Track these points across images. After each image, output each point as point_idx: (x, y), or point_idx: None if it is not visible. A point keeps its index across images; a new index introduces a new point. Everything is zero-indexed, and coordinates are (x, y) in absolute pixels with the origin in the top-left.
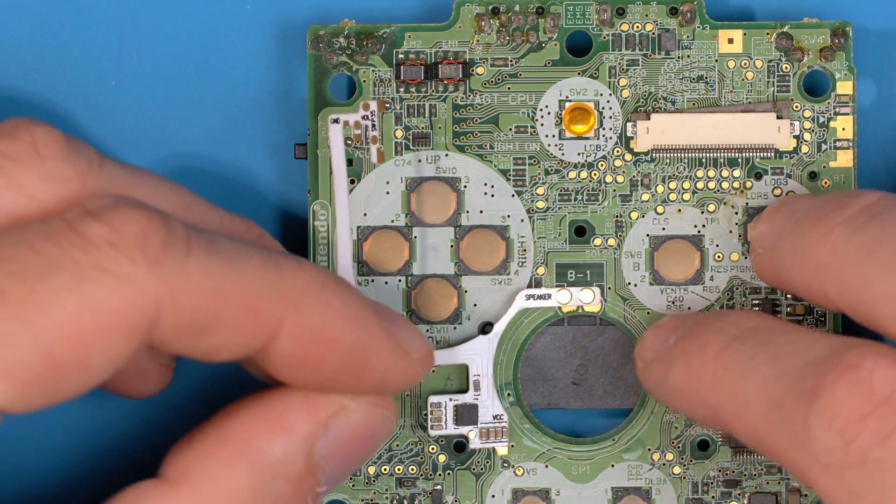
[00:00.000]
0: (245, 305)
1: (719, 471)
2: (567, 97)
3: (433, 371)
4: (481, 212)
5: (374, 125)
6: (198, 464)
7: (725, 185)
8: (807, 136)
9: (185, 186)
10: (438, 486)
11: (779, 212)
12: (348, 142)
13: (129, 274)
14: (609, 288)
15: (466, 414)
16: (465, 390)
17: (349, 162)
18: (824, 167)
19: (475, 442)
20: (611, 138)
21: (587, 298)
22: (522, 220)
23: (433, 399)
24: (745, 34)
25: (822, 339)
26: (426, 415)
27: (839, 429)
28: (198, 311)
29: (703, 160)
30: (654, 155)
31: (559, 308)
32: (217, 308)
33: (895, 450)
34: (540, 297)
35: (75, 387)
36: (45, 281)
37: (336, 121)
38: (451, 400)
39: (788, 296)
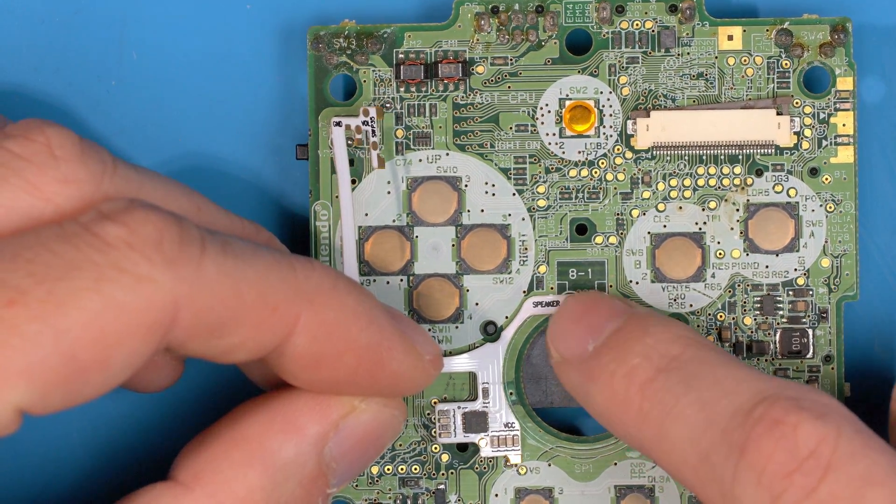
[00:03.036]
0: (262, 303)
1: None
2: (567, 95)
3: None
4: (482, 211)
5: (373, 131)
6: (210, 466)
7: (726, 182)
8: (807, 132)
9: (196, 190)
10: (442, 486)
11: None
12: (349, 142)
13: (148, 273)
14: (610, 286)
15: (475, 421)
16: (472, 398)
17: (350, 162)
18: (825, 163)
19: (486, 450)
20: (611, 136)
21: None
22: (524, 219)
23: (441, 407)
24: (744, 31)
25: (746, 383)
26: (434, 420)
27: (767, 485)
28: (216, 311)
29: (704, 157)
30: (654, 152)
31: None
32: (234, 306)
33: (821, 503)
34: (548, 304)
35: (95, 388)
36: (65, 282)
37: (339, 124)
38: (459, 408)
39: (788, 293)
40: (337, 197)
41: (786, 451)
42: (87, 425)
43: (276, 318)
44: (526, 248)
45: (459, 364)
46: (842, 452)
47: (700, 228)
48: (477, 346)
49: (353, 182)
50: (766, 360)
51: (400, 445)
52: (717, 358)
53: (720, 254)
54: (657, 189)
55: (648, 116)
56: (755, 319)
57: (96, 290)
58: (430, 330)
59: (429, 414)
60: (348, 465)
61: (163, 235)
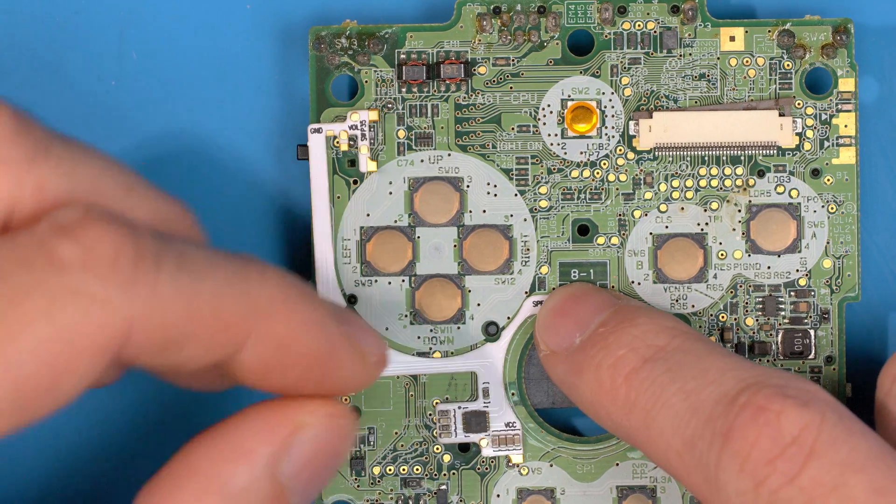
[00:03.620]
0: (214, 320)
1: None
2: (569, 96)
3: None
4: (484, 211)
5: (363, 135)
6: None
7: (728, 182)
8: (809, 133)
9: (128, 167)
10: (443, 486)
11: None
12: (350, 142)
13: (102, 296)
14: (612, 287)
15: (475, 421)
16: (473, 398)
17: (351, 163)
18: (827, 164)
19: (487, 450)
20: (613, 137)
21: None
22: (525, 220)
23: (441, 407)
24: (746, 32)
25: (731, 371)
26: (434, 420)
27: (750, 471)
28: (169, 329)
29: (706, 158)
30: (656, 153)
31: None
32: (187, 324)
33: (802, 489)
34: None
35: (44, 410)
36: (17, 308)
37: (318, 131)
38: (459, 408)
39: (790, 294)
40: (339, 197)
41: (769, 437)
42: (69, 427)
43: (228, 334)
44: (528, 249)
45: (461, 364)
46: (824, 439)
47: (702, 229)
48: (478, 346)
49: (354, 182)
50: (767, 361)
51: (402, 446)
52: (703, 348)
53: (722, 254)
54: (659, 190)
55: (650, 117)
56: (757, 320)
57: (49, 317)
58: (431, 330)
59: (430, 415)
60: (306, 481)
61: (118, 254)
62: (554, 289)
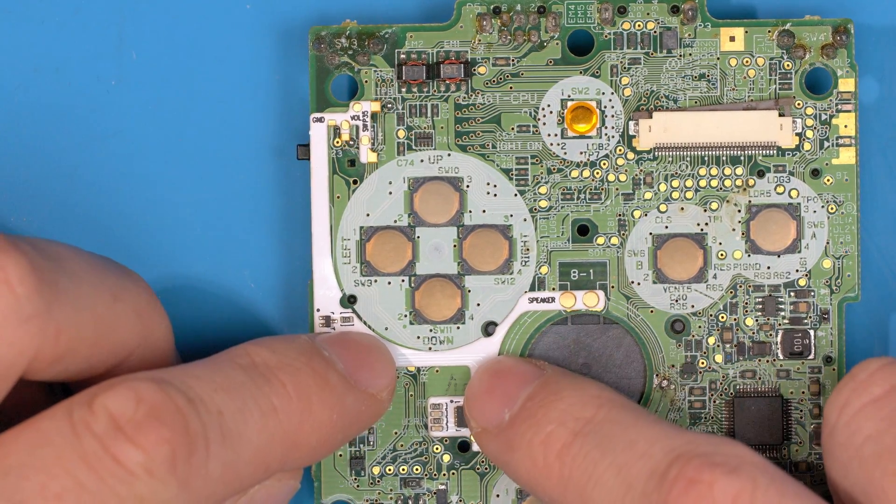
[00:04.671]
0: (256, 475)
1: None
2: (569, 96)
3: (437, 372)
4: (484, 211)
5: (365, 126)
6: None
7: (728, 182)
8: (809, 133)
9: (87, 254)
10: (443, 486)
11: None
12: (350, 142)
13: (164, 497)
14: (612, 287)
15: None
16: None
17: (351, 163)
18: (827, 164)
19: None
20: (613, 137)
21: (592, 302)
22: (525, 220)
23: (433, 400)
24: (746, 32)
25: (658, 442)
26: (427, 415)
27: None
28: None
29: (706, 158)
30: (656, 153)
31: (563, 307)
32: (222, 496)
33: None
34: (543, 300)
35: None
36: None
37: (320, 120)
38: (451, 402)
39: (790, 294)
40: (338, 197)
41: None
42: None
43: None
44: (528, 249)
45: (457, 359)
46: None
47: (702, 229)
48: (474, 342)
49: (354, 182)
50: (767, 361)
51: (401, 446)
52: (629, 417)
53: (722, 255)
54: (659, 190)
55: (650, 117)
56: (757, 320)
57: None
58: (431, 330)
59: (427, 413)
60: None
61: (175, 453)
62: (478, 366)
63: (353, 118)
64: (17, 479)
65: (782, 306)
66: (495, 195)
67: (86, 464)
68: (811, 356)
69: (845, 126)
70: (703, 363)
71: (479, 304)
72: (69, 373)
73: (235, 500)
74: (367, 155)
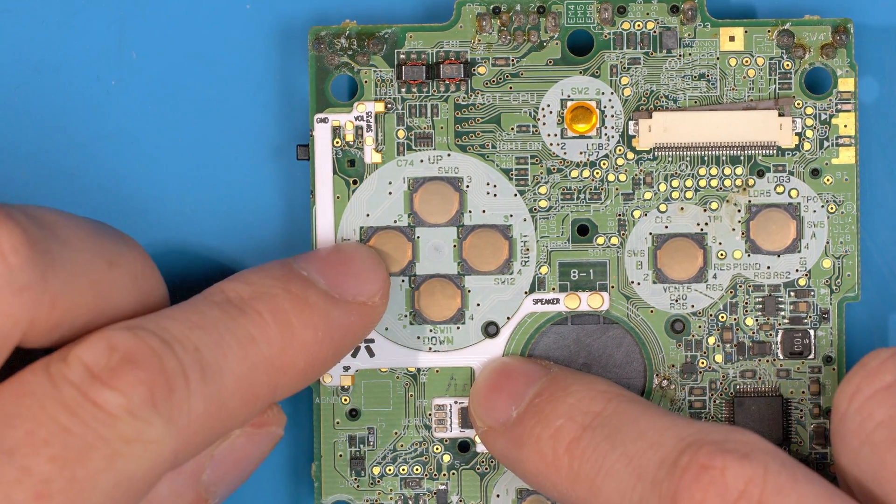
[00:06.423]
0: (245, 410)
1: None
2: (569, 96)
3: (437, 372)
4: (484, 211)
5: (369, 126)
6: None
7: (728, 182)
8: (809, 133)
9: (83, 219)
10: (443, 486)
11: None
12: (349, 143)
13: (153, 437)
14: (612, 287)
15: None
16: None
17: (350, 163)
18: (826, 164)
19: (482, 446)
20: (613, 137)
21: (596, 304)
22: (525, 220)
23: (438, 401)
24: (746, 32)
25: (669, 431)
26: (430, 415)
27: None
28: (205, 444)
29: (706, 158)
30: (656, 153)
31: (567, 308)
32: (213, 432)
33: None
34: (548, 301)
35: None
36: (83, 465)
37: (324, 121)
38: (455, 403)
39: (790, 294)
40: (338, 197)
41: (716, 495)
42: None
43: (257, 410)
44: (528, 249)
45: (459, 360)
46: (770, 489)
47: (702, 229)
48: (477, 343)
49: (354, 182)
50: (767, 361)
51: (401, 446)
52: (638, 410)
53: (722, 254)
54: (659, 190)
55: (650, 117)
56: (757, 320)
57: (111, 469)
58: (431, 331)
59: (430, 414)
60: (227, 483)
61: (154, 392)
62: (482, 366)
63: (356, 119)
64: (4, 427)
65: (782, 306)
66: (495, 195)
67: (68, 410)
68: (811, 356)
69: (845, 126)
70: (703, 363)
71: (479, 305)
72: (66, 340)
73: (216, 445)
74: (371, 156)
